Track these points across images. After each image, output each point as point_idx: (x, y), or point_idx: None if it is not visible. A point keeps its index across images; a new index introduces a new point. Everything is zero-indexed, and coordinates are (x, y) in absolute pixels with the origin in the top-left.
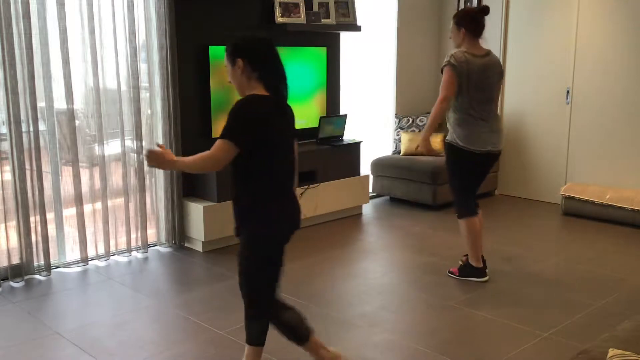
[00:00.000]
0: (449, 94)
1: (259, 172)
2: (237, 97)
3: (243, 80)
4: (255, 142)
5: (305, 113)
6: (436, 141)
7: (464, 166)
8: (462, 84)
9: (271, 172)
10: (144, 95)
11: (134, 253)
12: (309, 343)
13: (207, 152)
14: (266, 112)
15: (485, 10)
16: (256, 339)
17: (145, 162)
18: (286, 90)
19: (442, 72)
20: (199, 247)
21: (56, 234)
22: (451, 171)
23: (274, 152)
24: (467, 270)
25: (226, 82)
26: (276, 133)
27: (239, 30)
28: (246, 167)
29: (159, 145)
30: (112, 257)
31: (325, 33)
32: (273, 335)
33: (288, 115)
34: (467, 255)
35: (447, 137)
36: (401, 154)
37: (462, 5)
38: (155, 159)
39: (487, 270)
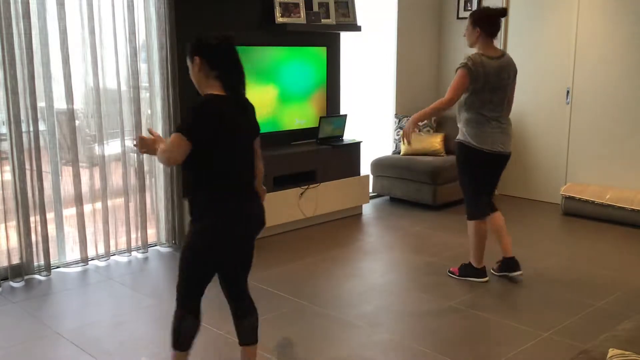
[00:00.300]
0: (456, 97)
1: (214, 169)
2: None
3: (201, 78)
4: (210, 139)
5: (305, 113)
6: (436, 141)
7: (474, 165)
8: (478, 85)
9: (227, 170)
10: (144, 95)
11: (134, 253)
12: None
13: (164, 146)
14: (222, 111)
15: (503, 12)
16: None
17: (136, 148)
18: (244, 89)
19: (455, 71)
20: None
21: (56, 234)
22: (461, 170)
23: (230, 151)
24: (467, 270)
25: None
26: (231, 132)
27: (239, 31)
28: (202, 163)
29: (150, 131)
30: (112, 257)
31: (325, 33)
32: (273, 335)
33: (249, 113)
34: (500, 261)
35: (458, 136)
36: (401, 154)
37: (462, 6)
38: (145, 145)
39: (518, 272)
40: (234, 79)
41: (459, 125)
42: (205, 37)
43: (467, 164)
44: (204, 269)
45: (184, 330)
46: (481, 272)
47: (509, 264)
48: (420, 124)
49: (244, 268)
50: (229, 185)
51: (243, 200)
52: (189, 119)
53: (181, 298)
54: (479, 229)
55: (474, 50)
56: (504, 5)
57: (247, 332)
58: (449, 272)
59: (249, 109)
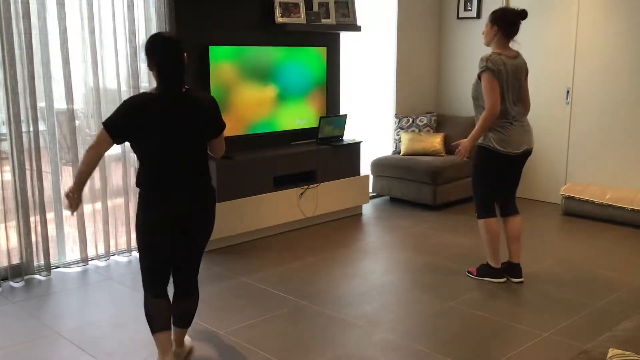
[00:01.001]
0: (497, 100)
1: (141, 161)
2: (233, 96)
3: (154, 75)
4: (129, 134)
5: (305, 113)
6: (436, 141)
7: (496, 169)
8: (501, 87)
9: (149, 162)
10: None
11: (134, 253)
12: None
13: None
14: (143, 108)
15: (523, 14)
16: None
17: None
18: (176, 87)
19: (479, 78)
20: None
21: (56, 234)
22: (480, 173)
23: (152, 145)
24: (485, 270)
25: (224, 81)
26: (151, 128)
27: (239, 31)
28: (136, 154)
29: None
30: (112, 257)
31: (325, 33)
32: (273, 335)
33: (181, 111)
34: (504, 262)
35: (480, 141)
36: (401, 154)
37: (462, 6)
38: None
39: (519, 279)
40: (164, 78)
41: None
42: (151, 38)
43: (488, 167)
44: (142, 250)
45: (150, 312)
46: (499, 273)
47: (514, 269)
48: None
49: (182, 255)
50: (151, 177)
51: (167, 192)
52: (113, 113)
53: (142, 282)
54: (489, 227)
55: (488, 49)
56: (504, 5)
57: (176, 315)
58: (468, 272)
59: (181, 107)
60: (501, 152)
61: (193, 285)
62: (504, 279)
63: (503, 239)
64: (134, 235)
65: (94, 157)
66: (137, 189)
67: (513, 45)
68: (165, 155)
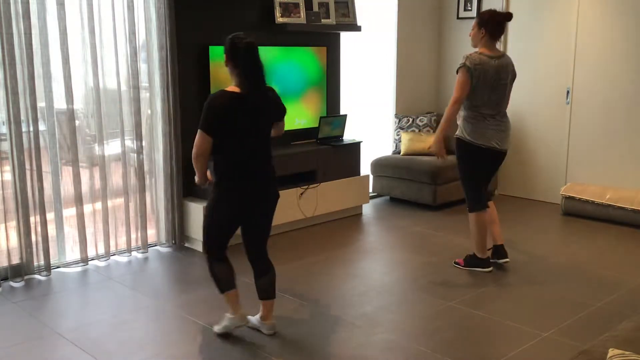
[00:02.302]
0: (462, 96)
1: (225, 156)
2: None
3: (233, 73)
4: (221, 132)
5: (305, 113)
6: (431, 140)
7: (472, 160)
8: (477, 84)
9: (235, 156)
10: (144, 95)
11: (134, 253)
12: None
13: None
14: (230, 106)
15: (509, 17)
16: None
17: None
18: (258, 87)
19: (457, 73)
20: (199, 247)
21: (56, 234)
22: (461, 165)
23: (239, 140)
24: (473, 261)
25: (224, 81)
26: (239, 124)
27: (239, 31)
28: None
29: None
30: (112, 257)
31: (325, 33)
32: (273, 335)
33: (260, 107)
34: (490, 248)
35: (456, 132)
36: (401, 154)
37: (462, 6)
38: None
39: (506, 260)
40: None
41: (458, 122)
42: (231, 38)
43: (466, 158)
44: (217, 225)
45: (215, 274)
46: (486, 262)
47: (499, 251)
48: (442, 139)
49: (256, 234)
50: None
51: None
52: (202, 114)
53: (205, 248)
54: (480, 220)
55: (472, 50)
56: (504, 5)
57: (262, 289)
58: (455, 263)
59: (259, 104)
60: (471, 143)
61: (268, 260)
62: (490, 268)
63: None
64: (134, 235)
65: (204, 162)
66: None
67: (514, 44)
68: (249, 149)
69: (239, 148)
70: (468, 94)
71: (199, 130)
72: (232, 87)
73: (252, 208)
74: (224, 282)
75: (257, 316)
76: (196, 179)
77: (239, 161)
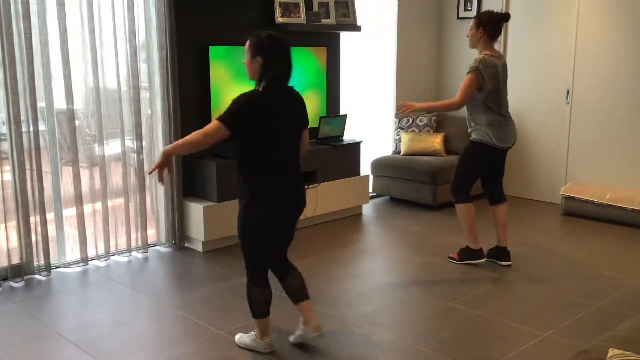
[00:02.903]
0: (466, 101)
1: (257, 158)
2: (233, 96)
3: (253, 73)
4: (245, 128)
5: None
6: (436, 141)
7: (486, 162)
8: (494, 86)
9: (267, 158)
10: (144, 95)
11: (134, 253)
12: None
13: (204, 128)
14: (258, 106)
15: (507, 17)
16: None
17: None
18: (287, 85)
19: (467, 74)
20: (199, 247)
21: (56, 234)
22: (471, 165)
23: (272, 141)
24: (465, 253)
25: (224, 81)
26: (270, 123)
27: (239, 31)
28: (243, 149)
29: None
30: (112, 257)
31: (325, 33)
32: (273, 335)
33: (291, 107)
34: (492, 248)
35: (476, 137)
36: (401, 154)
37: (462, 6)
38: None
39: (507, 262)
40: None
41: (477, 126)
42: (264, 36)
43: (480, 160)
44: (258, 241)
45: (252, 299)
46: (479, 254)
47: (503, 253)
48: (418, 112)
49: (283, 244)
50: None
51: (281, 186)
52: (229, 109)
53: (247, 272)
54: (468, 210)
55: (475, 52)
56: (504, 5)
57: (294, 291)
58: (449, 258)
59: (290, 106)
60: (497, 147)
61: (289, 261)
62: (484, 259)
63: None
64: (134, 235)
65: (202, 143)
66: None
67: (514, 44)
68: (282, 150)
69: (272, 149)
70: (486, 97)
71: (216, 121)
72: (262, 88)
73: (288, 214)
74: (261, 309)
75: (300, 326)
76: (157, 162)
77: (272, 163)
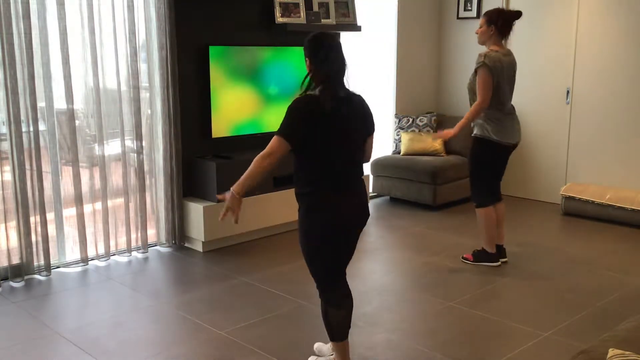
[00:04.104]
0: (489, 97)
1: (317, 164)
2: (233, 96)
3: (317, 74)
4: (306, 138)
5: None
6: (436, 141)
7: (492, 158)
8: (498, 82)
9: (327, 164)
10: (144, 95)
11: (134, 253)
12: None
13: (266, 149)
14: (316, 111)
15: (518, 15)
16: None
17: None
18: (344, 88)
19: (475, 73)
20: (199, 247)
21: (56, 234)
22: (477, 163)
23: (331, 147)
24: (481, 256)
25: (224, 81)
26: (328, 130)
27: (239, 30)
28: (299, 160)
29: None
30: (112, 257)
31: None
32: (273, 335)
33: (349, 111)
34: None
35: (476, 132)
36: (401, 154)
37: (462, 6)
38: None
39: (504, 259)
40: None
41: (477, 121)
42: (310, 37)
43: (486, 157)
44: (322, 255)
45: (329, 321)
46: (494, 257)
47: (499, 251)
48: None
49: (348, 255)
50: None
51: (337, 196)
52: (284, 120)
53: (319, 291)
54: (489, 215)
55: (483, 48)
56: (504, 6)
57: (339, 324)
58: (463, 258)
59: (342, 108)
60: (497, 142)
61: (348, 286)
62: (499, 263)
63: None
64: (134, 235)
65: (268, 166)
66: (301, 191)
67: (513, 44)
68: (340, 158)
69: (332, 155)
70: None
71: (275, 136)
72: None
73: (351, 232)
74: (336, 332)
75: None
76: (233, 191)
77: (333, 169)
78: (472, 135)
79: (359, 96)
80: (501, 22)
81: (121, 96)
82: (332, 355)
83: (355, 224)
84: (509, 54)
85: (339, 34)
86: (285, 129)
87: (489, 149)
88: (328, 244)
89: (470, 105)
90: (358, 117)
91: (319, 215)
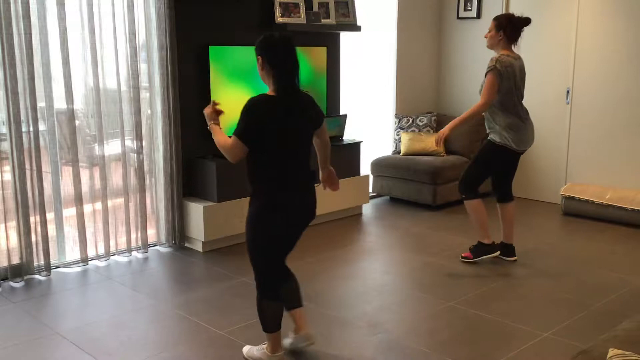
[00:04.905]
0: (491, 99)
1: (269, 162)
2: (233, 96)
3: (263, 75)
4: (261, 136)
5: None
6: (430, 140)
7: (503, 163)
8: (509, 86)
9: (279, 162)
10: (144, 95)
11: (134, 253)
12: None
13: (228, 142)
14: (271, 109)
15: (528, 22)
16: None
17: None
18: (295, 87)
19: (485, 75)
20: (199, 247)
21: (56, 234)
22: (485, 163)
23: (282, 144)
24: (479, 250)
25: (224, 81)
26: (280, 127)
27: (239, 30)
28: (253, 156)
29: (214, 103)
30: (112, 257)
31: (325, 33)
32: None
33: (300, 109)
34: (498, 244)
35: (494, 138)
36: (401, 154)
37: (462, 6)
38: (208, 114)
39: (514, 258)
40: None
41: (496, 128)
42: (265, 36)
43: (496, 161)
44: (270, 251)
45: (263, 313)
46: (492, 248)
47: (508, 249)
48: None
49: (292, 246)
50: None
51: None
52: (241, 121)
53: (258, 285)
54: (478, 206)
55: (490, 51)
56: (504, 6)
57: (289, 297)
58: (462, 257)
59: (295, 108)
60: (515, 150)
61: (287, 267)
62: (497, 252)
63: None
64: (134, 235)
65: (235, 159)
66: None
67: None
68: (293, 154)
69: (283, 153)
70: (502, 97)
71: (233, 137)
72: (270, 92)
73: (300, 220)
74: (274, 323)
75: (290, 334)
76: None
77: (285, 167)
78: (490, 139)
79: (309, 95)
80: (510, 29)
81: (121, 96)
82: (264, 345)
83: (304, 222)
84: (519, 58)
85: (292, 35)
86: (242, 131)
87: (505, 156)
88: (275, 241)
89: (487, 111)
90: (310, 116)
91: (271, 214)
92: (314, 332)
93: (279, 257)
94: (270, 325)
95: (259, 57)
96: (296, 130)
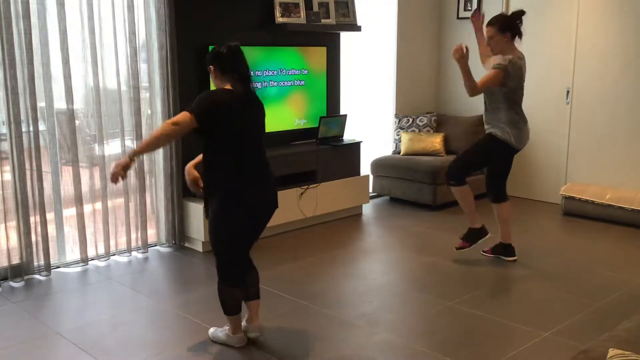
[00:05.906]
0: (484, 88)
1: (230, 160)
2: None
3: (218, 84)
4: (216, 122)
5: (305, 113)
6: (436, 141)
7: (499, 159)
8: (518, 86)
9: (239, 159)
10: (144, 95)
11: (134, 253)
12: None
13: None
14: (229, 100)
15: (523, 12)
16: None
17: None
18: (250, 87)
19: (493, 68)
20: (199, 247)
21: (56, 234)
22: (482, 155)
23: (240, 140)
24: (470, 236)
25: None
26: (238, 121)
27: (239, 31)
28: (211, 149)
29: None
30: (112, 257)
31: (325, 33)
32: (273, 335)
33: (256, 108)
34: (497, 244)
35: (495, 132)
36: (401, 154)
37: (462, 6)
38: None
39: (514, 258)
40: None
41: (497, 123)
42: (214, 49)
43: (494, 156)
44: (234, 242)
45: (223, 298)
46: (482, 231)
47: (507, 249)
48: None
49: (256, 238)
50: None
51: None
52: (198, 102)
53: (220, 272)
54: (464, 192)
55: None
56: (505, 6)
57: (248, 289)
58: (458, 248)
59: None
60: (514, 147)
61: (251, 260)
62: (488, 234)
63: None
64: (134, 235)
65: (173, 132)
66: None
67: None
68: (252, 150)
69: (242, 150)
70: (507, 94)
71: (186, 112)
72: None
73: (260, 216)
74: (232, 307)
75: (243, 322)
76: (132, 153)
77: (245, 164)
78: (491, 133)
79: (256, 95)
80: (514, 27)
81: (121, 96)
82: (227, 327)
83: (267, 214)
84: (523, 57)
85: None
86: (198, 109)
87: (504, 151)
88: (239, 234)
89: (485, 107)
90: (261, 112)
91: (235, 208)
92: (264, 326)
93: (243, 247)
94: (231, 308)
95: (210, 67)
96: (252, 123)
